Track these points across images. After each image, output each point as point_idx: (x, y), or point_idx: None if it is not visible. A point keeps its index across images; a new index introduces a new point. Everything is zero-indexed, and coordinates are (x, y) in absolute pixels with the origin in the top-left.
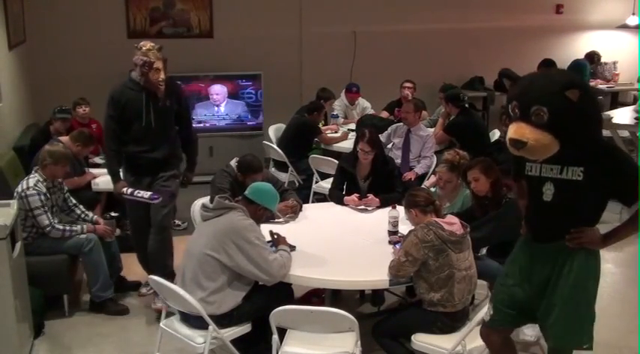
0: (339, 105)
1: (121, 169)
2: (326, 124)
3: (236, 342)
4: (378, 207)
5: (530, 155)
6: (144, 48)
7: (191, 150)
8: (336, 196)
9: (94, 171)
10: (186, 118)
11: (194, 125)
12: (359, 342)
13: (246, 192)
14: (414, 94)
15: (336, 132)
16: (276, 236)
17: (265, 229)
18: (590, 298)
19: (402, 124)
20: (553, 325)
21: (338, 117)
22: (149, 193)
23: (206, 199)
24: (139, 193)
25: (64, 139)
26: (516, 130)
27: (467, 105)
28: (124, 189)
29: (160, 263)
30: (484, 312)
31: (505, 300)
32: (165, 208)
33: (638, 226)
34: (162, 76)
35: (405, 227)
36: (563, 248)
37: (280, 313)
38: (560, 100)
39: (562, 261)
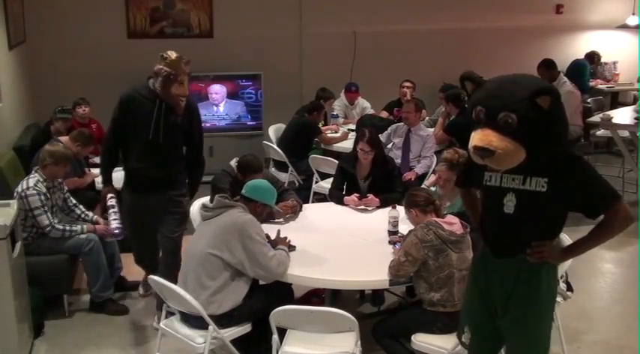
0: (338, 105)
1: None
2: (326, 124)
3: (236, 342)
4: (378, 207)
5: (496, 165)
6: (169, 58)
7: (195, 175)
8: (336, 196)
9: (94, 171)
10: (196, 139)
11: None
12: (359, 342)
13: (243, 191)
14: (413, 93)
15: (336, 132)
16: (274, 238)
17: (269, 228)
18: (548, 320)
19: (402, 124)
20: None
21: (338, 117)
22: (117, 224)
23: (206, 199)
24: (114, 213)
25: (64, 139)
26: (482, 138)
27: (467, 105)
28: (109, 196)
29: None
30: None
31: (477, 322)
32: (179, 229)
33: (601, 239)
34: (185, 91)
35: (405, 227)
36: (524, 263)
37: (280, 313)
38: (530, 107)
39: (524, 277)
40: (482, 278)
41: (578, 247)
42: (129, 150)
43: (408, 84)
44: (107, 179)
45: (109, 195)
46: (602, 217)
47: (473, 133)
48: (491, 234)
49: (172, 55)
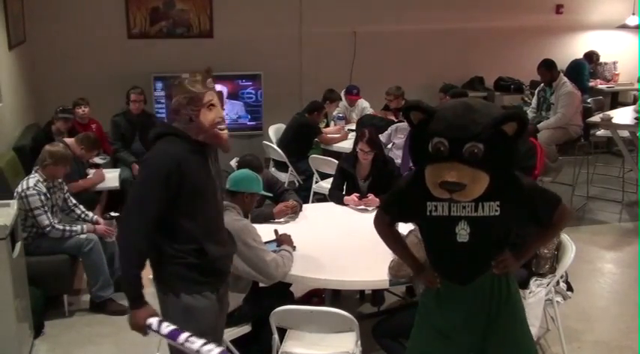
0: (339, 106)
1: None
2: (328, 124)
3: (236, 342)
4: (378, 207)
5: (464, 198)
6: (182, 80)
7: None
8: (335, 197)
9: (91, 171)
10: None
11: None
12: (359, 342)
13: (227, 186)
14: (399, 102)
15: (338, 133)
16: (280, 235)
17: (269, 228)
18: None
19: (403, 123)
20: None
21: (343, 119)
22: (215, 349)
23: None
24: (188, 341)
25: (69, 140)
26: (452, 172)
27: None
28: (152, 321)
29: None
30: None
31: None
32: None
33: (548, 239)
34: (220, 112)
35: (405, 227)
36: (492, 277)
37: (280, 313)
38: (496, 134)
39: (497, 289)
40: (451, 315)
41: (527, 252)
42: (190, 228)
43: (389, 98)
44: (139, 297)
45: (152, 320)
46: None
47: (433, 167)
48: (449, 265)
49: (183, 74)
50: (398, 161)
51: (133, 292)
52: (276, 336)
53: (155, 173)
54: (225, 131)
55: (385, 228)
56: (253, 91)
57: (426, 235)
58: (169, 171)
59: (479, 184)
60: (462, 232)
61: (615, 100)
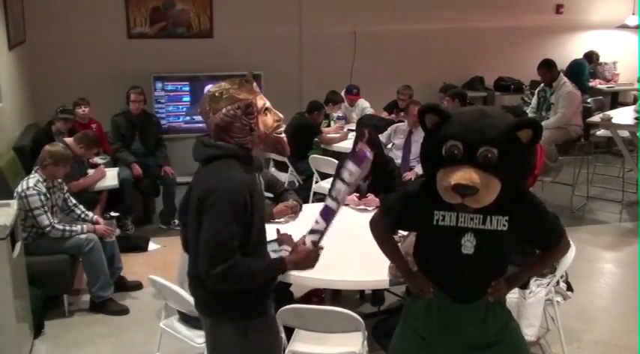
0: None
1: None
2: (328, 125)
3: None
4: (378, 207)
5: (475, 203)
6: (231, 87)
7: None
8: None
9: (91, 171)
10: None
11: (194, 125)
12: (365, 342)
13: None
14: (409, 102)
15: (339, 133)
16: (281, 235)
17: (269, 228)
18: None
19: (402, 124)
20: None
21: (343, 119)
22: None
23: None
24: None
25: (69, 140)
26: (465, 175)
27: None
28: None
29: None
30: None
31: None
32: None
33: (542, 268)
34: (279, 114)
35: None
36: (488, 304)
37: (286, 312)
38: (511, 140)
39: (492, 314)
40: (438, 333)
41: (519, 279)
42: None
43: (403, 97)
44: (284, 264)
45: None
46: None
47: (445, 171)
48: (449, 278)
49: (222, 85)
50: (398, 161)
51: (282, 270)
52: (283, 335)
53: (230, 207)
54: (283, 134)
55: (381, 231)
56: None
57: (428, 246)
58: (245, 202)
59: (490, 190)
60: (468, 244)
61: (615, 100)
